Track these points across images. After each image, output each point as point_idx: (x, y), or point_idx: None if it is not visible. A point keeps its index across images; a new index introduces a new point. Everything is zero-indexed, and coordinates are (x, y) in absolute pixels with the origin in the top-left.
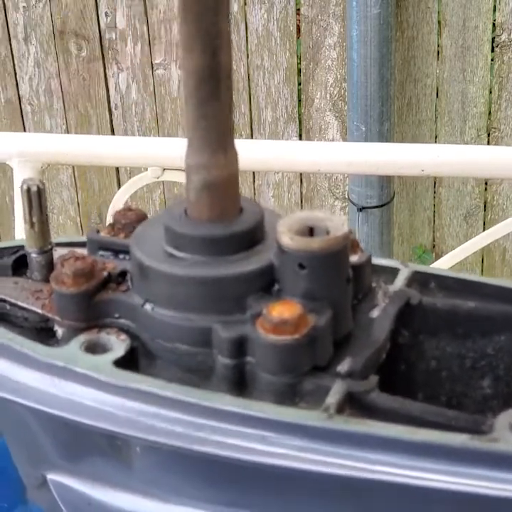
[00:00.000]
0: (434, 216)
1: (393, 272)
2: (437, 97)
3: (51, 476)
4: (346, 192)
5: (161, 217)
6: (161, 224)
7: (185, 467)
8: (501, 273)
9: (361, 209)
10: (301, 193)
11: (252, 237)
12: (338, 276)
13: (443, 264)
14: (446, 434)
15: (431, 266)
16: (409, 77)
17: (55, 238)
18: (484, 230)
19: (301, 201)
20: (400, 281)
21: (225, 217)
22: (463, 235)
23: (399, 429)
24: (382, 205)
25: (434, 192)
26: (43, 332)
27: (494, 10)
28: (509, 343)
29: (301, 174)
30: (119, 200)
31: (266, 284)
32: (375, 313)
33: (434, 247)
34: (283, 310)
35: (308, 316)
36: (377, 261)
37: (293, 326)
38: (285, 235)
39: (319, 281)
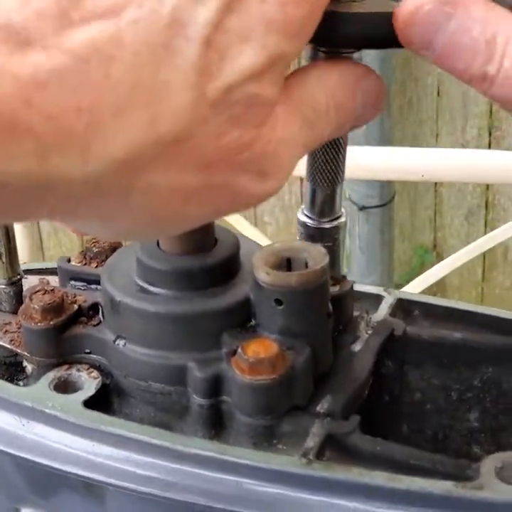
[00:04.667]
0: (435, 215)
1: (377, 300)
2: (438, 95)
3: (25, 510)
4: (347, 191)
5: (134, 248)
6: (134, 255)
7: (158, 510)
8: (503, 272)
9: (362, 208)
10: (302, 192)
11: (227, 270)
12: (317, 312)
13: (445, 267)
14: (431, 481)
15: (433, 268)
16: (410, 75)
17: (25, 265)
18: (486, 229)
19: (301, 201)
20: (383, 309)
21: (199, 249)
22: (464, 234)
23: (381, 475)
24: (383, 205)
25: (435, 191)
26: (11, 367)
27: None
28: (496, 375)
29: None
30: None
31: (242, 319)
32: (357, 346)
33: (435, 246)
34: (259, 348)
35: (285, 354)
36: (360, 288)
37: (270, 366)
38: (261, 269)
39: (297, 318)
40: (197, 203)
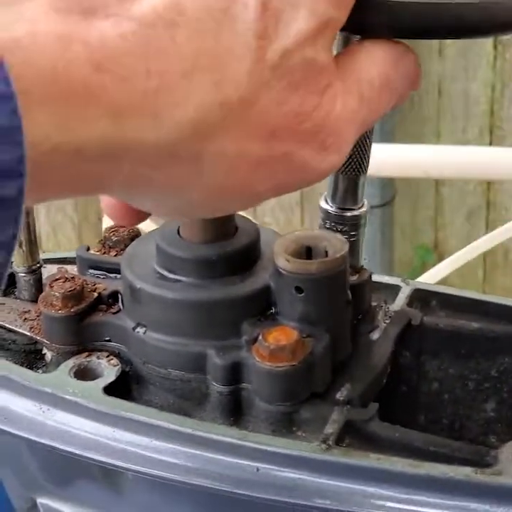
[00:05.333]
0: (436, 215)
1: (394, 290)
2: (439, 95)
3: (41, 500)
4: None
5: (154, 236)
6: (154, 243)
7: (178, 497)
8: (504, 273)
9: None
10: (302, 190)
11: (247, 258)
12: (336, 300)
13: (446, 267)
14: (450, 467)
15: (434, 269)
16: None
17: (44, 254)
18: (487, 229)
19: (301, 200)
20: (401, 299)
21: (219, 237)
22: (465, 234)
23: (401, 461)
24: (383, 204)
25: (436, 191)
26: (31, 355)
27: None
28: None
29: None
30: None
31: (262, 307)
32: (375, 335)
33: (436, 246)
34: (279, 336)
35: (305, 341)
36: (378, 278)
37: (290, 353)
38: (282, 256)
39: (317, 305)
40: (262, 174)
